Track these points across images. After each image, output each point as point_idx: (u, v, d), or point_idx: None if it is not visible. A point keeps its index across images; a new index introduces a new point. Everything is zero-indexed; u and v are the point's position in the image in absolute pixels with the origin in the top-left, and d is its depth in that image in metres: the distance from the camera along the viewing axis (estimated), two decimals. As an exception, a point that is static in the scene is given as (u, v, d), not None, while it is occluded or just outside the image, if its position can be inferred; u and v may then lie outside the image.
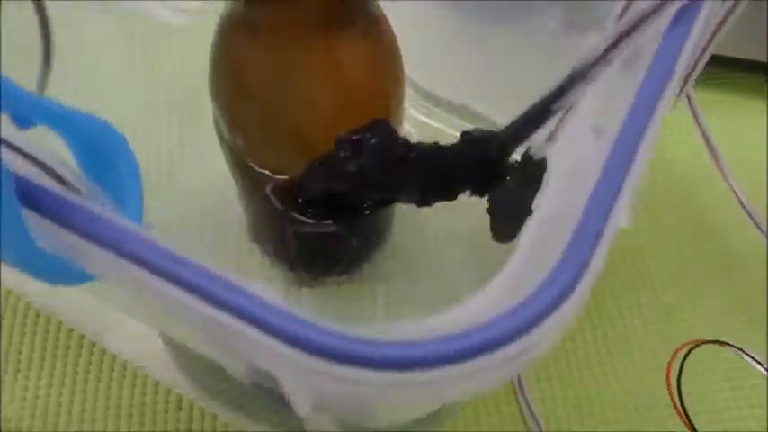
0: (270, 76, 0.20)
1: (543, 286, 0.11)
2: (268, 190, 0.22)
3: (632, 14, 0.14)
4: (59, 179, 0.13)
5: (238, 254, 0.31)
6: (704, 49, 0.20)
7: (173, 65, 0.36)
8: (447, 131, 0.33)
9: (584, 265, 0.12)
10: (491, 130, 0.18)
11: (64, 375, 0.29)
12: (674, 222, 0.33)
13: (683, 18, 0.14)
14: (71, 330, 0.30)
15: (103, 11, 0.34)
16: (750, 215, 0.29)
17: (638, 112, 0.13)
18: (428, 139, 0.28)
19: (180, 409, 0.29)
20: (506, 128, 0.17)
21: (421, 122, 0.33)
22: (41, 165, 0.12)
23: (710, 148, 0.27)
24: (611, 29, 0.14)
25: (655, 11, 0.13)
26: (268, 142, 0.22)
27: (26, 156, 0.12)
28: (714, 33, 0.19)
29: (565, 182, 0.13)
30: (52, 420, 0.28)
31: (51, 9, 0.20)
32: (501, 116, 0.32)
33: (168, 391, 0.29)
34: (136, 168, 0.14)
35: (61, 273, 0.13)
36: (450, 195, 0.19)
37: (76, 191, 0.13)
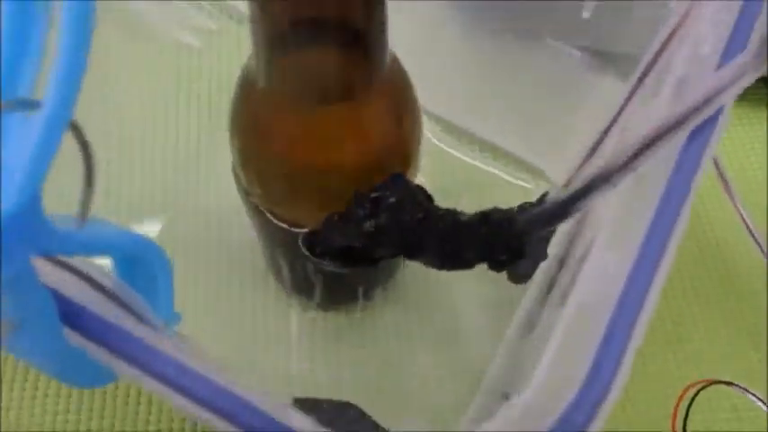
0: (289, 136, 0.21)
1: (571, 410, 0.12)
2: (300, 242, 0.23)
3: (655, 127, 0.14)
4: (99, 287, 0.13)
5: (254, 275, 0.32)
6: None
7: (188, 83, 0.36)
8: (462, 158, 0.33)
9: (606, 388, 0.12)
10: (510, 214, 0.18)
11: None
12: (683, 252, 0.33)
13: (702, 132, 0.14)
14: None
15: (122, 30, 0.34)
16: (757, 242, 0.29)
17: (654, 238, 0.13)
18: (443, 166, 0.28)
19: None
20: (525, 218, 0.17)
21: (437, 149, 0.34)
22: (82, 274, 0.13)
23: (720, 173, 0.27)
24: (634, 137, 0.14)
25: (676, 126, 0.14)
26: (287, 199, 0.22)
27: (66, 267, 0.13)
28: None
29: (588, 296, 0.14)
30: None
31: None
32: (513, 145, 0.33)
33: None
34: (170, 273, 0.15)
35: (94, 376, 0.13)
36: (468, 265, 0.19)
37: (113, 295, 0.13)
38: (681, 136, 0.14)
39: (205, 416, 0.12)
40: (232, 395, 0.12)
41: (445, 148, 0.33)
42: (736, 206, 0.28)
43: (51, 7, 0.11)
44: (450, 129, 0.34)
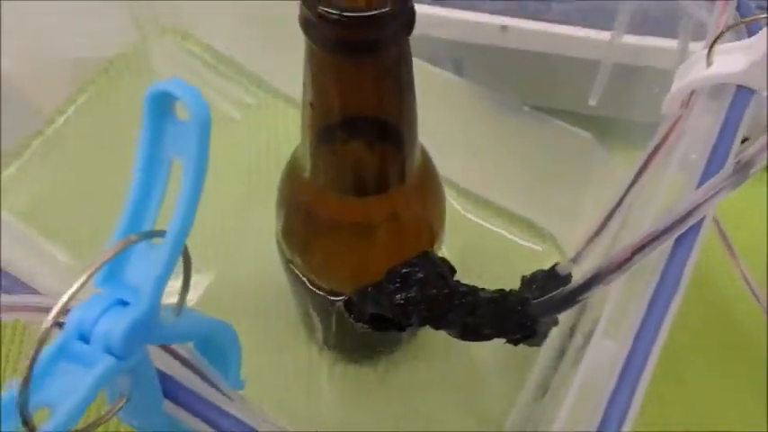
0: (331, 225, 0.24)
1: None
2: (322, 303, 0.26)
3: (644, 236, 0.17)
4: (183, 360, 0.16)
5: (287, 327, 0.35)
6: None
7: (226, 152, 0.39)
8: (481, 223, 0.37)
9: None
10: (525, 298, 0.21)
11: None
12: (688, 308, 0.36)
13: (687, 236, 0.17)
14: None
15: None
16: (756, 297, 0.31)
17: (649, 323, 0.16)
18: (464, 231, 0.31)
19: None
20: (538, 303, 0.20)
21: (459, 215, 0.37)
22: (171, 351, 0.16)
23: (721, 233, 0.29)
24: (626, 245, 0.17)
25: (662, 234, 0.16)
26: (327, 275, 0.25)
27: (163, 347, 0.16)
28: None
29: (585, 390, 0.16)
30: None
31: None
32: (526, 211, 0.36)
33: None
34: (238, 350, 0.18)
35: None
36: (485, 339, 0.22)
37: (193, 367, 0.16)
38: (669, 241, 0.17)
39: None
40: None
41: (465, 214, 0.37)
42: (739, 269, 0.30)
43: (171, 166, 0.14)
44: (469, 196, 0.37)
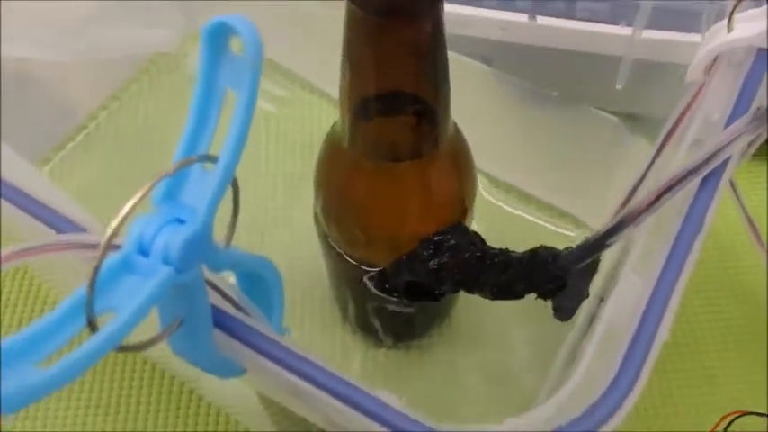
0: (368, 192, 0.25)
1: (603, 399, 0.15)
2: (365, 278, 0.26)
3: (670, 176, 0.17)
4: (231, 300, 0.17)
5: (322, 312, 0.36)
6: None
7: (261, 144, 0.41)
8: (511, 211, 0.37)
9: (633, 381, 0.15)
10: (554, 251, 0.21)
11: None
12: (715, 289, 0.36)
13: (711, 178, 0.17)
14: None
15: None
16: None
17: (675, 260, 0.16)
18: (493, 217, 0.32)
19: None
20: (568, 253, 0.21)
21: (488, 202, 0.38)
22: (220, 291, 0.17)
23: (749, 220, 0.30)
24: (653, 188, 0.17)
25: (688, 175, 0.17)
26: (364, 242, 0.26)
27: (214, 287, 0.17)
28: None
29: (617, 308, 0.17)
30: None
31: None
32: (557, 198, 0.36)
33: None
34: (282, 290, 0.19)
35: (228, 369, 0.17)
36: (518, 296, 0.23)
37: (240, 307, 0.17)
38: (695, 181, 0.17)
39: (316, 393, 0.15)
40: (343, 380, 0.16)
41: (495, 201, 0.37)
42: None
43: (225, 95, 0.15)
44: (500, 184, 0.38)
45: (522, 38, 0.37)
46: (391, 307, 0.29)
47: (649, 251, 0.17)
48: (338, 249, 0.27)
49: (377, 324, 0.33)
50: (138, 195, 0.14)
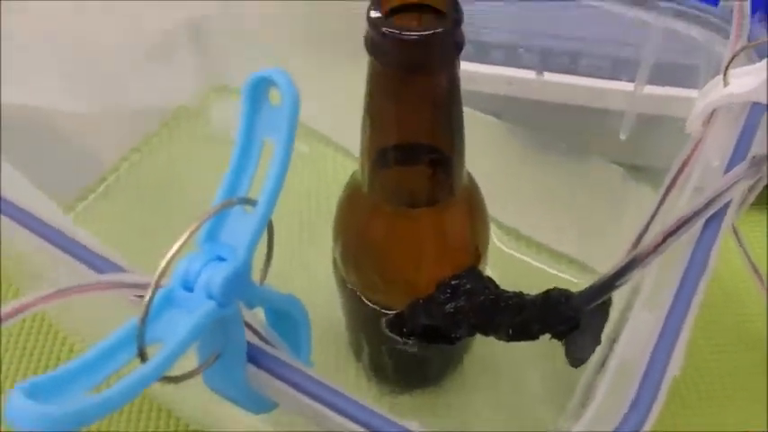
0: (386, 235, 0.26)
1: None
2: (383, 321, 0.27)
3: (675, 219, 0.18)
4: (259, 335, 0.18)
5: (337, 359, 0.36)
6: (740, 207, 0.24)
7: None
8: (521, 258, 0.38)
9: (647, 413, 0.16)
10: (567, 292, 0.22)
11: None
12: (722, 332, 0.37)
13: (713, 220, 0.19)
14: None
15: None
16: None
17: (682, 297, 0.17)
18: (504, 264, 0.33)
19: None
20: (580, 294, 0.22)
21: (499, 250, 0.39)
22: (250, 327, 0.18)
23: (753, 267, 0.31)
24: (659, 231, 0.19)
25: (692, 217, 0.18)
26: (381, 284, 0.27)
27: (245, 323, 0.18)
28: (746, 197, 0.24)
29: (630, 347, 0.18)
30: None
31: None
32: (565, 245, 0.38)
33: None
34: (309, 326, 0.20)
35: (261, 403, 0.18)
36: (533, 337, 0.24)
37: (267, 342, 0.18)
38: (699, 224, 0.18)
39: (351, 426, 0.16)
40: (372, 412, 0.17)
41: (507, 249, 0.39)
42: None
43: (264, 143, 0.16)
44: (511, 232, 0.39)
45: (529, 93, 0.38)
46: (405, 348, 0.30)
47: (658, 290, 0.18)
48: (357, 292, 0.28)
49: (390, 368, 0.33)
50: (185, 236, 0.15)
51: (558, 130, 0.36)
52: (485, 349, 0.36)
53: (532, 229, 0.38)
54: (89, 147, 0.44)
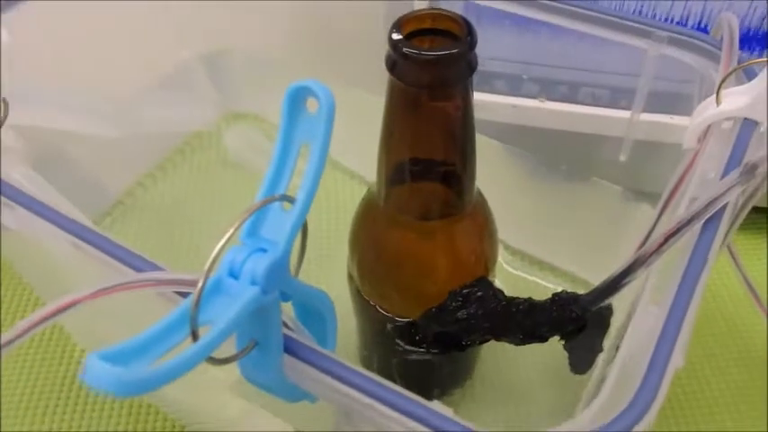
0: (400, 250, 0.27)
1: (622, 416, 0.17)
2: (389, 328, 0.29)
3: (676, 221, 0.20)
4: (287, 326, 0.19)
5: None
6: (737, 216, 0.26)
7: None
8: (525, 277, 0.40)
9: (650, 402, 0.17)
10: (575, 294, 0.24)
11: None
12: (722, 352, 0.38)
13: (710, 224, 0.20)
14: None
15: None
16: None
17: (684, 291, 0.19)
18: (509, 284, 0.34)
19: None
20: (587, 294, 0.23)
21: (510, 274, 0.40)
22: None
23: (749, 287, 0.32)
24: (661, 233, 0.20)
25: (692, 219, 0.20)
26: (396, 292, 0.28)
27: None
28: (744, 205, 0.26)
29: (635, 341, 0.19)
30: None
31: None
32: (567, 263, 0.39)
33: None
34: (335, 321, 0.21)
35: (297, 393, 0.19)
36: (542, 339, 0.25)
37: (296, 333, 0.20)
38: (697, 226, 0.20)
39: (383, 409, 0.17)
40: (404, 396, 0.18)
41: (512, 270, 0.40)
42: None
43: (301, 146, 0.18)
44: (515, 253, 0.40)
45: (531, 120, 0.40)
46: (421, 357, 0.31)
47: (661, 287, 0.20)
48: (371, 302, 0.30)
49: (401, 382, 0.34)
50: (231, 230, 0.16)
51: (559, 154, 0.38)
52: (493, 364, 0.37)
53: (535, 248, 0.40)
54: (105, 172, 0.46)
